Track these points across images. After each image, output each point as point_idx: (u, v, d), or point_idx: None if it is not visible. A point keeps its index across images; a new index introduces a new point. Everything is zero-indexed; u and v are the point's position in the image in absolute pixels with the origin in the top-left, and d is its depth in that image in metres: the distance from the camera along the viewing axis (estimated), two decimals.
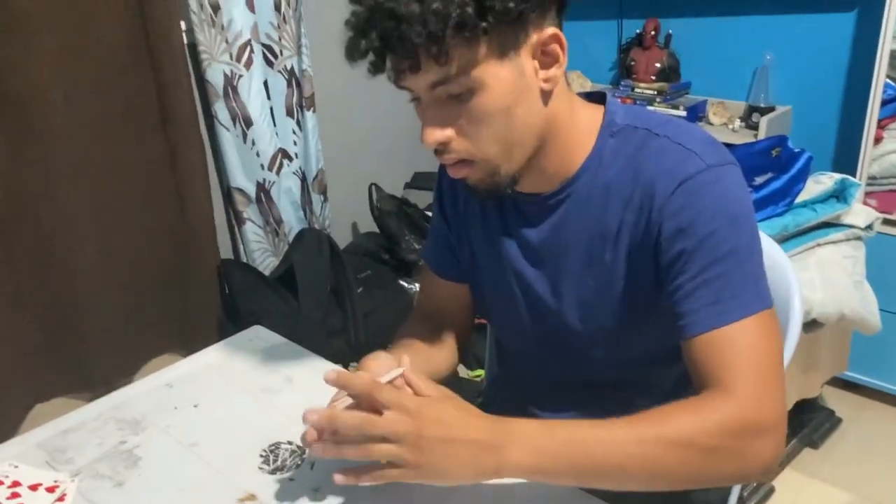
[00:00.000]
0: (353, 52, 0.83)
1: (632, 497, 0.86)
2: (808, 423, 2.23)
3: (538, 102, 0.89)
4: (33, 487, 0.92)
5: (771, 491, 2.04)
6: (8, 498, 0.90)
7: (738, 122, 2.51)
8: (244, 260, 2.49)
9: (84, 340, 2.09)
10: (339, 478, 0.81)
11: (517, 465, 0.81)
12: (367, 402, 0.81)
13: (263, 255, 2.49)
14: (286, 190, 2.48)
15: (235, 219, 2.44)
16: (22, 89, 1.85)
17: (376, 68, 0.85)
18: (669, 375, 1.06)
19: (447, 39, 0.79)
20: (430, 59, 0.80)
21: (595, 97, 1.00)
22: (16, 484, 0.93)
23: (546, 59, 0.87)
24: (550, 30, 0.86)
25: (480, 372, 2.37)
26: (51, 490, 0.92)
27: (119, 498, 0.92)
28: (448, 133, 0.87)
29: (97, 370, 2.09)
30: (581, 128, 0.95)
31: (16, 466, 0.96)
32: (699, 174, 0.87)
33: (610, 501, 0.90)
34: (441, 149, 0.89)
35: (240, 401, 1.11)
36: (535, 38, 0.85)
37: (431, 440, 0.78)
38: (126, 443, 1.02)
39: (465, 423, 0.81)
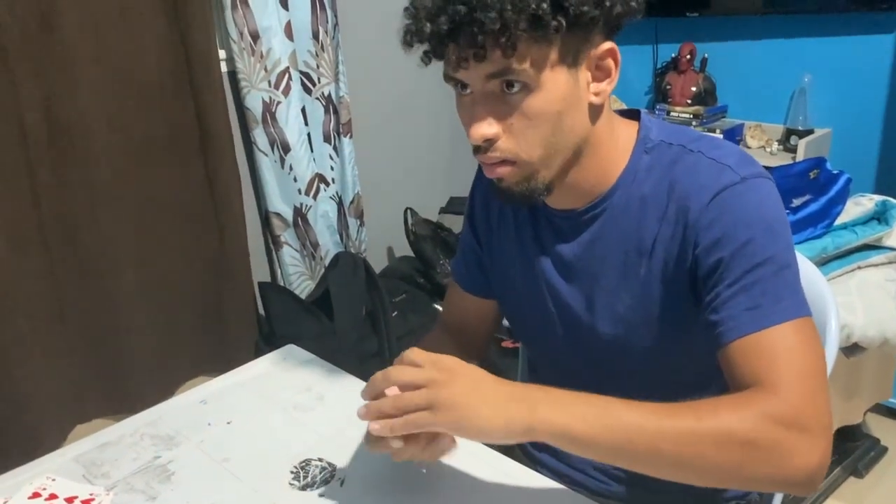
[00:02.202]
0: (413, 37, 0.83)
1: None
2: (853, 452, 2.16)
3: (585, 114, 0.90)
4: (69, 500, 0.94)
5: None
6: None
7: (775, 145, 2.49)
8: (281, 283, 2.52)
9: (123, 362, 2.13)
10: (373, 426, 0.82)
11: (548, 423, 0.79)
12: None
13: (300, 279, 2.52)
14: (323, 214, 2.51)
15: (273, 242, 2.47)
16: (68, 116, 1.91)
17: (432, 56, 0.84)
18: (707, 397, 1.04)
19: (518, 31, 0.79)
20: (497, 48, 0.80)
21: (629, 114, 1.01)
22: (53, 497, 0.95)
23: (599, 73, 0.88)
24: (608, 44, 0.87)
25: None
26: (86, 503, 0.94)
27: None
28: (495, 129, 0.87)
29: (136, 392, 2.13)
30: (618, 144, 0.96)
31: (53, 479, 0.98)
32: (733, 186, 0.87)
33: None
34: (485, 146, 0.88)
35: (272, 418, 1.12)
36: (594, 50, 0.86)
37: (464, 385, 0.81)
38: (160, 458, 1.04)
39: (497, 379, 0.83)
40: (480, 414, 0.80)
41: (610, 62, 0.88)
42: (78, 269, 2.00)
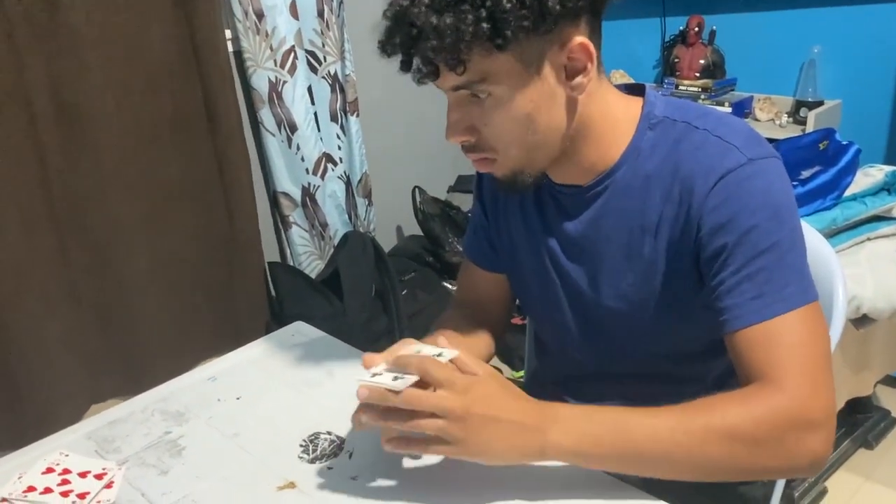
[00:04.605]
0: (384, 48, 0.85)
1: (677, 489, 0.86)
2: (863, 423, 2.16)
3: (562, 109, 0.89)
4: (82, 475, 0.96)
5: (824, 492, 1.99)
6: (59, 484, 0.94)
7: (785, 118, 2.47)
8: (290, 263, 2.53)
9: (136, 344, 2.15)
10: (387, 446, 0.83)
11: (560, 448, 0.82)
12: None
13: (309, 259, 2.53)
14: (331, 194, 2.52)
15: (282, 222, 2.48)
16: (76, 100, 1.92)
17: (405, 67, 0.86)
18: (710, 370, 1.05)
19: (462, 52, 0.80)
20: (447, 67, 0.82)
21: (635, 89, 1.00)
22: (66, 471, 0.96)
23: (573, 66, 0.87)
24: (578, 39, 0.85)
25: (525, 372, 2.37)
26: (99, 477, 0.95)
27: (164, 485, 0.94)
28: (468, 133, 0.89)
29: (149, 372, 2.15)
30: (618, 121, 0.95)
31: (66, 455, 0.99)
32: (739, 168, 0.86)
33: (656, 494, 0.88)
34: (465, 145, 0.90)
35: (281, 393, 1.13)
36: (560, 47, 0.85)
37: (477, 418, 0.80)
38: (171, 433, 1.05)
39: (510, 405, 0.83)
40: (494, 447, 0.81)
41: (582, 57, 0.86)
42: (89, 250, 2.02)
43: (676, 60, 2.69)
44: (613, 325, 1.02)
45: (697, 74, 2.64)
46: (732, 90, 2.68)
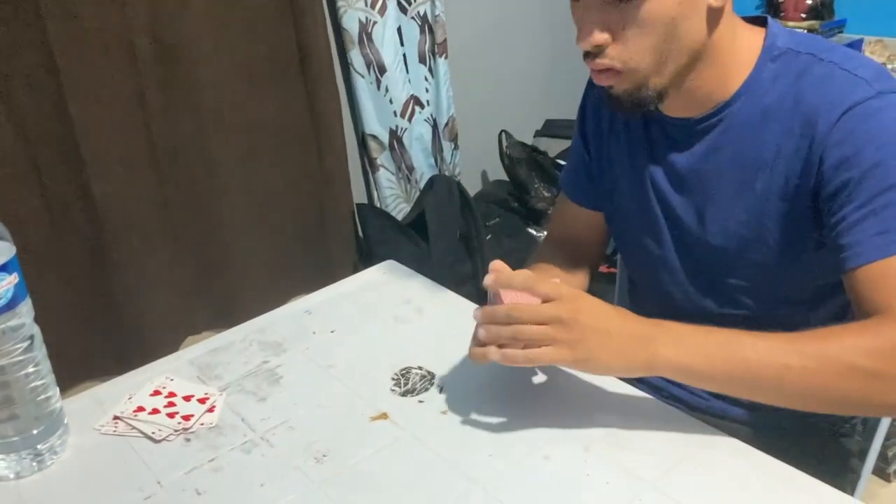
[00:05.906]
0: None
1: (774, 437, 0.84)
2: None
3: (702, 20, 0.87)
4: (187, 398, 1.00)
5: None
6: (165, 406, 0.98)
7: None
8: (378, 205, 2.56)
9: (229, 280, 2.22)
10: (493, 355, 0.82)
11: (668, 360, 0.81)
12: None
13: (396, 201, 2.55)
14: (418, 137, 2.51)
15: (369, 165, 2.50)
16: (176, 41, 1.96)
17: None
18: (811, 318, 1.01)
19: None
20: None
21: (755, 21, 0.96)
22: (171, 394, 1.01)
23: None
24: None
25: None
26: (202, 401, 0.99)
27: (262, 411, 0.98)
28: (605, 36, 0.86)
29: (240, 308, 2.22)
30: (741, 50, 0.92)
31: (171, 379, 1.04)
32: (867, 101, 0.83)
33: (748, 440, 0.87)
34: (595, 51, 0.87)
35: (373, 328, 1.15)
36: None
37: (587, 325, 0.80)
38: (268, 362, 1.08)
39: (620, 315, 0.83)
40: (602, 354, 0.81)
41: None
42: (187, 188, 2.08)
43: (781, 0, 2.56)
44: (717, 263, 0.99)
45: (803, 15, 2.51)
46: (841, 32, 2.53)
